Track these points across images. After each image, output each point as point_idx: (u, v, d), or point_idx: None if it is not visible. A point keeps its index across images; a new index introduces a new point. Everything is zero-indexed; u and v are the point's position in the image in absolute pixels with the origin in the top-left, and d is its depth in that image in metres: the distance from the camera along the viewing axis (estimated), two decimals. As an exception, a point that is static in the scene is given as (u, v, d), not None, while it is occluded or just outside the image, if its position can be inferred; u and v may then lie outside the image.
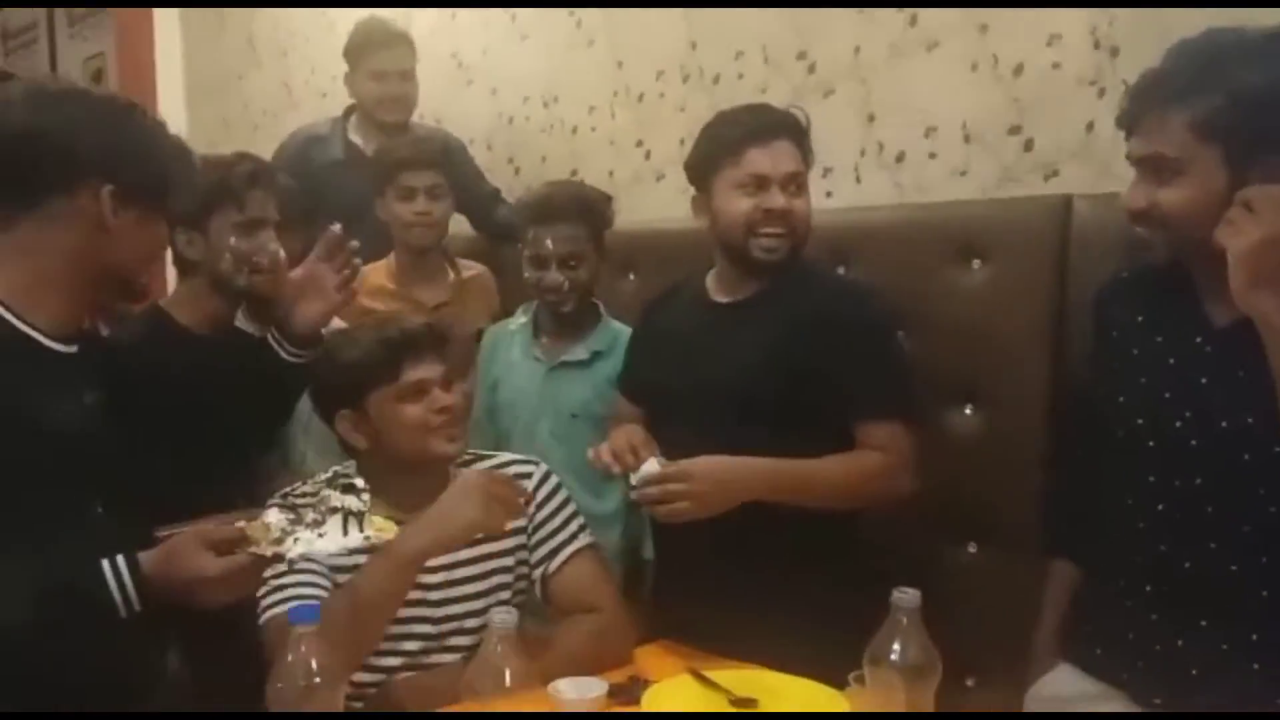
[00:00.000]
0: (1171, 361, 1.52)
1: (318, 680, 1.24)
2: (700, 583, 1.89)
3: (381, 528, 1.40)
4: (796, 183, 1.92)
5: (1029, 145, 2.15)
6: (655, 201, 2.83)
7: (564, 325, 2.38)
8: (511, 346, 2.47)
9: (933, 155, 2.28)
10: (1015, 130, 2.17)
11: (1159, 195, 1.46)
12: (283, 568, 1.55)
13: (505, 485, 1.69)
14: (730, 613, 1.76)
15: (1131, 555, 1.55)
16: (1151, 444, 1.52)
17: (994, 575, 2.07)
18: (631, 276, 2.77)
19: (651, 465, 1.73)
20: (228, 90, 4.55)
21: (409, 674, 1.73)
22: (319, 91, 4.03)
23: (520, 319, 2.48)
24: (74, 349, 1.53)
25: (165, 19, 4.75)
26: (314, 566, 1.67)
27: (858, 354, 1.87)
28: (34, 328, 1.46)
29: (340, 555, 1.43)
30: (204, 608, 1.33)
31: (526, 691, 1.52)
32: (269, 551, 1.31)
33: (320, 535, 1.34)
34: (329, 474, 1.67)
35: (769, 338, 1.90)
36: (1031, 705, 1.67)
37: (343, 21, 3.88)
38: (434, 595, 1.75)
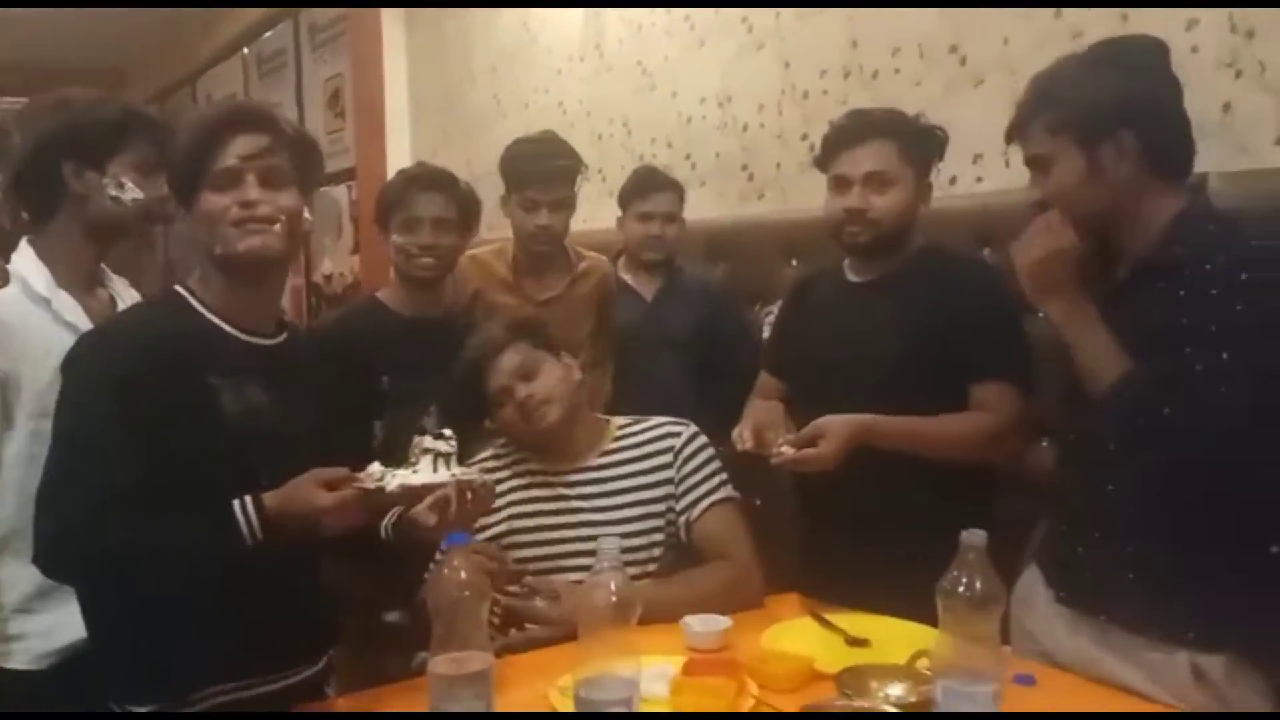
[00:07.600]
0: None
1: (467, 593, 1.42)
2: (838, 545, 2.06)
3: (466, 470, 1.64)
4: (878, 180, 2.07)
5: (1167, 127, 2.19)
6: (819, 191, 2.98)
7: None
8: None
9: (1076, 140, 2.35)
10: (1154, 113, 2.21)
11: (1043, 186, 1.72)
12: None
13: None
14: (861, 569, 1.91)
15: (1058, 481, 1.83)
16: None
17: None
18: (795, 262, 2.94)
19: (786, 449, 1.89)
20: (446, 104, 4.97)
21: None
22: (522, 103, 4.37)
23: None
24: (278, 340, 1.72)
25: (393, 42, 5.26)
26: None
27: (968, 321, 1.99)
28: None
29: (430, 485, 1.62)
30: (321, 535, 1.54)
31: (663, 626, 1.75)
32: (371, 485, 1.54)
33: (415, 472, 1.58)
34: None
35: (895, 311, 2.06)
36: (1016, 591, 1.86)
37: (544, 36, 4.22)
38: (597, 530, 1.97)
